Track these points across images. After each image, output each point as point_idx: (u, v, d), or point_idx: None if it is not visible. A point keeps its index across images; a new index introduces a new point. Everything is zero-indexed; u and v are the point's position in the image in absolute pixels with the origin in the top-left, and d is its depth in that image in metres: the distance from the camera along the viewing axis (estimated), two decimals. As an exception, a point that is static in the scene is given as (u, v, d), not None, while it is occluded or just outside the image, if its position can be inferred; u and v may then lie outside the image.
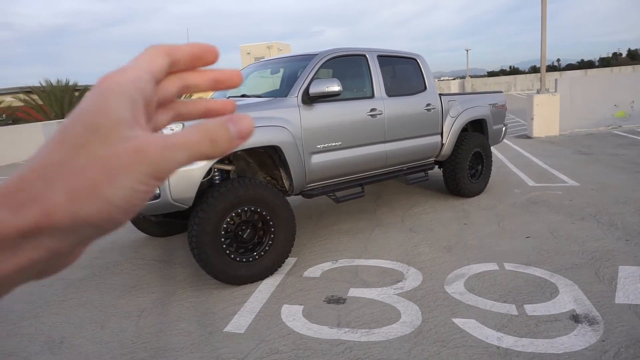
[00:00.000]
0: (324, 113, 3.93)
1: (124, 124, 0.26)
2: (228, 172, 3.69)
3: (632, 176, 6.07)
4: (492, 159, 5.97)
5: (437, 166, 5.45)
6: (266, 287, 3.36)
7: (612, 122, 10.98)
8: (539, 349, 2.39)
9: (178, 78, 0.33)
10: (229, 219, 3.31)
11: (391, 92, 4.57)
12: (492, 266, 3.47)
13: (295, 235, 3.68)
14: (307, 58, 4.20)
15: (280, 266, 3.59)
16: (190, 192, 3.13)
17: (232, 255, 3.35)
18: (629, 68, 38.04)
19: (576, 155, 8.02)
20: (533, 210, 4.86)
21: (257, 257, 3.46)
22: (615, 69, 36.84)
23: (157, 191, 3.10)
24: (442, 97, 5.16)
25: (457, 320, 2.71)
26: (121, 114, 0.26)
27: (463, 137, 5.39)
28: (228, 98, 4.25)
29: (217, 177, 3.61)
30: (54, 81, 21.38)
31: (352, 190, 4.35)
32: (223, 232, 3.29)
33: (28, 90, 21.82)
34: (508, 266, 3.45)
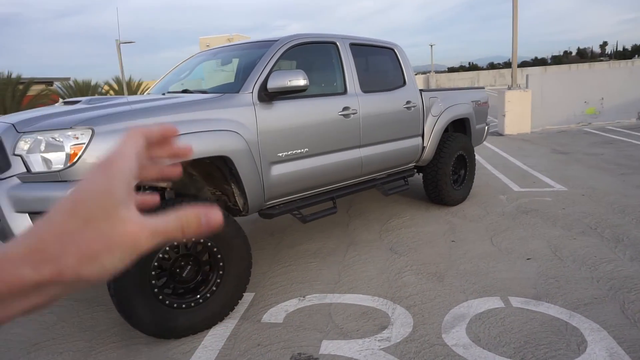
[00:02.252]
0: (286, 113, 3.16)
1: (122, 205, 0.34)
2: (163, 189, 2.86)
3: (618, 179, 5.65)
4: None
5: (416, 172, 4.80)
6: (213, 341, 2.58)
7: (583, 119, 10.75)
8: None
9: (148, 149, 0.42)
10: (161, 254, 2.50)
11: (366, 87, 3.86)
12: (495, 302, 2.82)
13: (251, 268, 2.90)
14: (266, 45, 3.41)
15: (232, 309, 2.81)
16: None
17: (168, 301, 2.55)
18: (604, 64, 38.93)
19: (554, 154, 7.62)
20: (526, 221, 4.29)
21: (201, 300, 2.67)
22: (581, 65, 37.70)
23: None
24: (422, 93, 4.50)
25: (467, 394, 2.03)
26: (121, 197, 0.35)
27: (445, 139, 4.76)
28: (164, 94, 3.41)
29: (148, 197, 2.78)
30: (-5, 74, 19.54)
31: (321, 205, 3.62)
32: (154, 273, 2.48)
33: (-35, 84, 19.84)
34: (515, 301, 2.81)
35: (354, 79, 3.75)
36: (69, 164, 2.25)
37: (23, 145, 2.31)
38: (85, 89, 23.81)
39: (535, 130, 10.46)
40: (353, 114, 3.63)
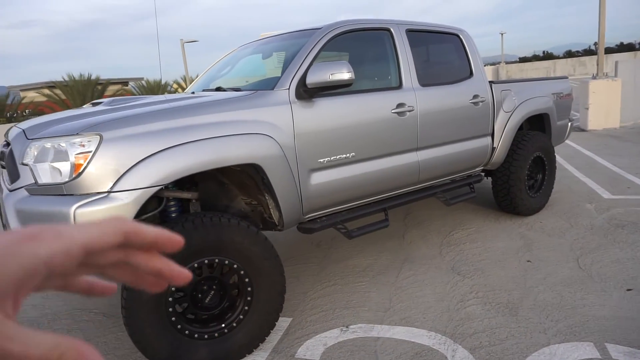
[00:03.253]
0: (328, 112, 2.74)
1: None
2: (188, 201, 2.56)
3: None
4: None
5: (484, 176, 4.18)
6: (238, 380, 2.23)
7: (685, 111, 9.29)
8: None
9: (124, 253, 0.33)
10: (179, 278, 2.18)
11: (425, 80, 3.33)
12: (588, 349, 2.22)
13: (285, 294, 2.52)
14: (306, 34, 3.00)
15: (262, 341, 2.45)
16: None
17: (187, 331, 2.23)
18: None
19: (651, 153, 6.54)
20: (622, 238, 3.54)
21: (226, 329, 2.33)
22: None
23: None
24: (492, 85, 3.88)
25: None
26: (4, 288, 0.25)
27: (519, 138, 4.10)
28: (193, 93, 3.11)
29: (172, 209, 2.49)
30: (76, 75, 21.22)
31: (370, 217, 3.16)
32: (171, 299, 2.17)
33: (52, 85, 21.76)
34: (615, 351, 2.19)
35: (411, 70, 3.24)
36: (73, 176, 1.99)
37: (30, 153, 2.09)
38: (156, 88, 24.98)
39: (625, 124, 9.21)
40: (409, 111, 3.12)
